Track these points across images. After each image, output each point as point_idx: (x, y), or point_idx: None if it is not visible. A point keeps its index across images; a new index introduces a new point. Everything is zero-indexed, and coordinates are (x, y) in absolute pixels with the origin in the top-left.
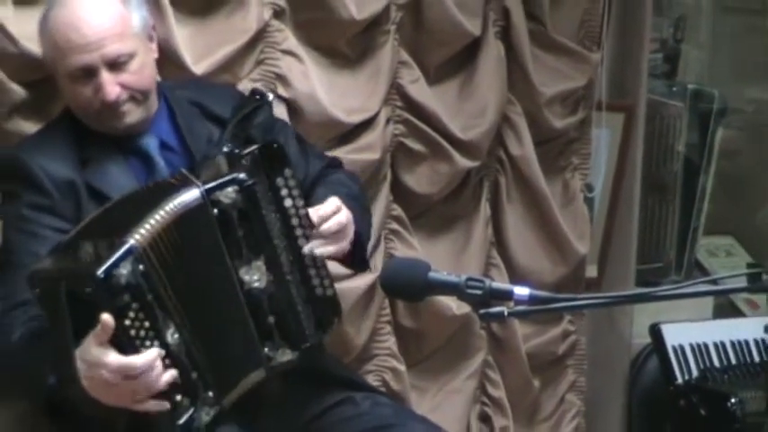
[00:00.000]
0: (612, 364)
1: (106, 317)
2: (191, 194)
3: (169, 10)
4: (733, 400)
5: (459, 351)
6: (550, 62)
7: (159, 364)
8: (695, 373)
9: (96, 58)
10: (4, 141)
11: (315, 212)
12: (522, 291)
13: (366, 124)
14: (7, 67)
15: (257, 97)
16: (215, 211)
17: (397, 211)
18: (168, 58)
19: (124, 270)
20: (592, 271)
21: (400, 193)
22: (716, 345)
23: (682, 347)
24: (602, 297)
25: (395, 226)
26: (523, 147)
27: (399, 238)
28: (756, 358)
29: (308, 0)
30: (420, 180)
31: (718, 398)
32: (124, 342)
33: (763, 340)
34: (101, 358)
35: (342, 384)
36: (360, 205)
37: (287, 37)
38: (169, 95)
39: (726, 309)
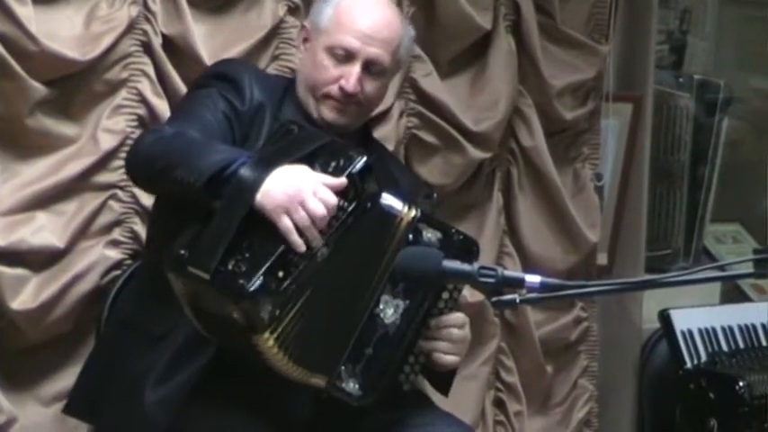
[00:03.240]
0: (623, 350)
1: (344, 180)
2: (399, 204)
3: (186, 7)
4: (741, 384)
5: (473, 338)
6: (560, 55)
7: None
8: (704, 357)
9: (364, 51)
10: (25, 139)
11: (448, 318)
12: (533, 278)
13: (380, 117)
14: (28, 65)
15: (426, 195)
16: (410, 236)
17: None
18: (186, 54)
19: (369, 187)
20: (602, 258)
21: None
22: (724, 329)
23: (690, 332)
24: (613, 284)
25: None
26: (534, 138)
27: None
28: (764, 342)
29: None
30: (433, 171)
31: (727, 381)
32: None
33: None
34: (314, 175)
35: None
36: None
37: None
38: (374, 142)
39: (733, 294)
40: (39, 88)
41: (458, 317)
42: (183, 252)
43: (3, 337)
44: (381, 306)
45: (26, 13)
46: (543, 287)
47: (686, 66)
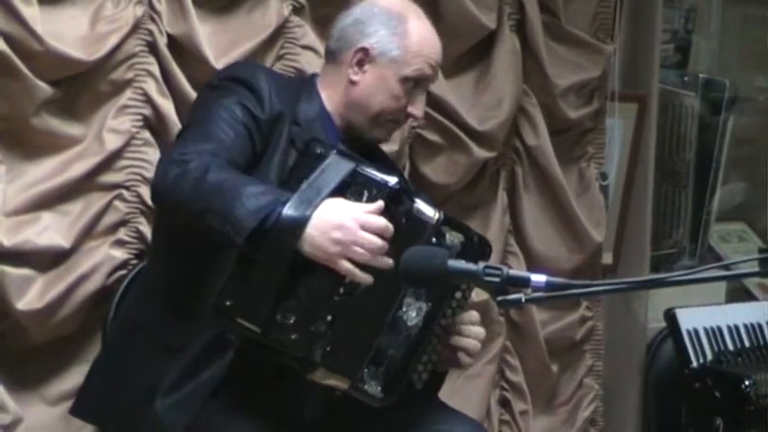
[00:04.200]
0: (629, 349)
1: (381, 203)
2: (431, 211)
3: (191, 7)
4: (747, 383)
5: None
6: (565, 54)
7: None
8: (709, 356)
9: (432, 77)
10: (30, 139)
11: (469, 315)
12: (538, 278)
13: None
14: (33, 65)
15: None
16: (433, 239)
17: None
18: (191, 54)
19: (402, 208)
20: (607, 258)
21: (419, 183)
22: (729, 328)
23: (696, 331)
24: (618, 283)
25: None
26: (539, 137)
27: None
28: None
29: None
30: (438, 170)
31: (733, 380)
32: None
33: None
34: (358, 208)
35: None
36: None
37: (306, 32)
38: None
39: (738, 293)
40: (44, 88)
41: (473, 314)
42: (229, 304)
43: (8, 337)
44: (405, 308)
45: (31, 13)
46: (548, 286)
47: (691, 65)
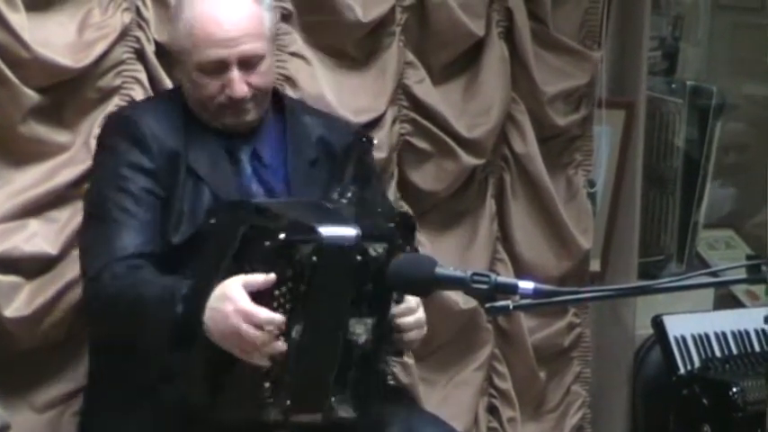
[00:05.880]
0: (616, 356)
1: (273, 276)
2: (347, 231)
3: None
4: (734, 389)
5: (466, 344)
6: (553, 61)
7: (276, 332)
8: (697, 363)
9: (232, 55)
10: (18, 146)
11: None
12: (526, 285)
13: (373, 124)
14: (21, 72)
15: (363, 140)
16: (359, 257)
17: (405, 208)
18: None
19: (305, 250)
20: (595, 265)
21: (407, 190)
22: (717, 335)
23: (684, 338)
24: (605, 290)
25: None
26: (527, 144)
27: None
28: (757, 348)
29: (314, 3)
30: (426, 178)
31: (720, 387)
32: (262, 303)
33: (763, 330)
34: (237, 296)
35: None
36: None
37: (294, 40)
38: (289, 111)
39: (726, 300)
40: (31, 95)
41: (409, 305)
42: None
43: None
44: (352, 330)
45: (19, 20)
46: (536, 293)
47: (679, 72)
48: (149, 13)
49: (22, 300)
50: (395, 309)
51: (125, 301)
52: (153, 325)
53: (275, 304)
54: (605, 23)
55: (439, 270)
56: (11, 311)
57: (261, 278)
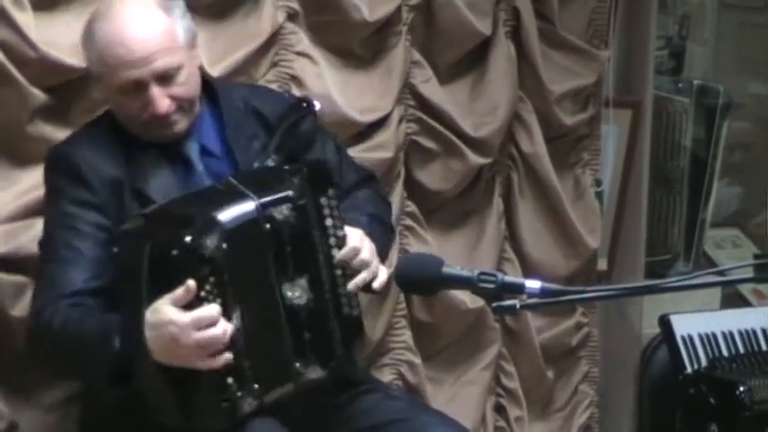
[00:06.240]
0: (623, 355)
1: (191, 283)
2: (246, 206)
3: None
4: (741, 389)
5: (473, 343)
6: (560, 60)
7: (222, 321)
8: (704, 362)
9: (146, 73)
10: (25, 146)
11: (346, 252)
12: (533, 284)
13: (379, 123)
14: (28, 71)
15: (304, 105)
16: (267, 226)
17: (411, 207)
18: None
19: (210, 243)
20: (602, 264)
21: (414, 189)
22: (724, 334)
23: (690, 337)
24: (612, 289)
25: (409, 222)
26: (535, 143)
27: (414, 233)
28: (764, 347)
29: (321, 2)
30: (433, 177)
31: (727, 386)
32: (195, 307)
33: None
34: (173, 316)
35: (354, 384)
36: (383, 228)
37: (301, 39)
38: (221, 95)
39: (733, 299)
40: (38, 95)
41: (353, 246)
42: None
43: (2, 343)
44: (289, 295)
45: (26, 19)
46: (543, 293)
47: (685, 71)
48: None
49: (28, 299)
50: (338, 254)
51: (64, 339)
52: (92, 362)
53: (206, 303)
54: (612, 23)
55: (446, 269)
56: (17, 311)
57: (181, 291)
